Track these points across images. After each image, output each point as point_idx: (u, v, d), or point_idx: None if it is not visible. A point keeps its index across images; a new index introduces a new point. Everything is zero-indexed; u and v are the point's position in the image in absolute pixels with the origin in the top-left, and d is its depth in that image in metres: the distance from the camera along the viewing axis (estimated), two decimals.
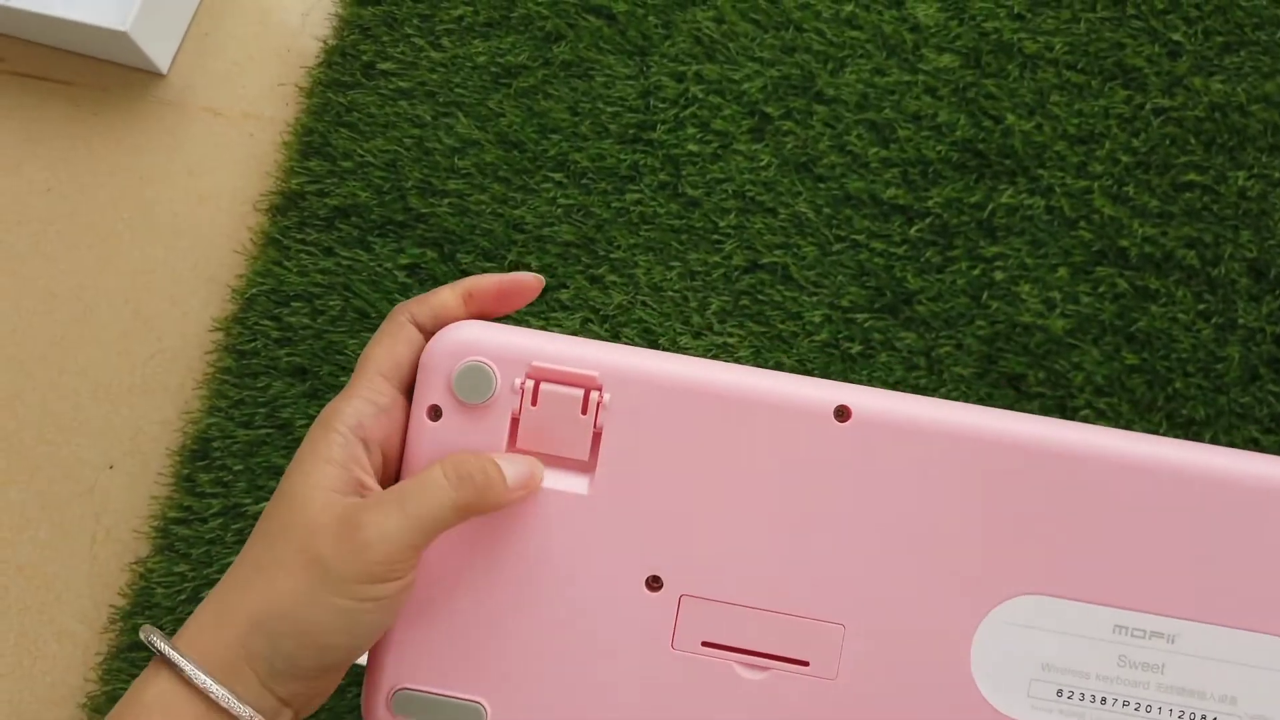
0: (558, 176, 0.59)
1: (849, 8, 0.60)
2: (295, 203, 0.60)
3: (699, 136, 0.60)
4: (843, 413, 0.32)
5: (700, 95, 0.60)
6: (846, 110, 0.59)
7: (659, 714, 0.33)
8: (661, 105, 0.60)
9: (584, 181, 0.60)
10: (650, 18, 0.61)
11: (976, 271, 0.57)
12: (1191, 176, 0.57)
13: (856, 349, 0.57)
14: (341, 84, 0.62)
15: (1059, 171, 0.57)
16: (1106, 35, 0.58)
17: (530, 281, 0.35)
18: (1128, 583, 0.31)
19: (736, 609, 0.33)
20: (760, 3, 0.60)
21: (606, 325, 0.57)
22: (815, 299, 0.58)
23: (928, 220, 0.58)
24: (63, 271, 0.62)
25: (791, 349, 0.57)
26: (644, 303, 0.58)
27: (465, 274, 0.58)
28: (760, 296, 0.58)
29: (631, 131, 0.60)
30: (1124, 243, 0.56)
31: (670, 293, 0.58)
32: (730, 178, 0.59)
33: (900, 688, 0.32)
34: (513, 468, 0.33)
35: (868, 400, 0.32)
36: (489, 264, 0.58)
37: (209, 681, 0.30)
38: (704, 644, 0.33)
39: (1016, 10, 0.59)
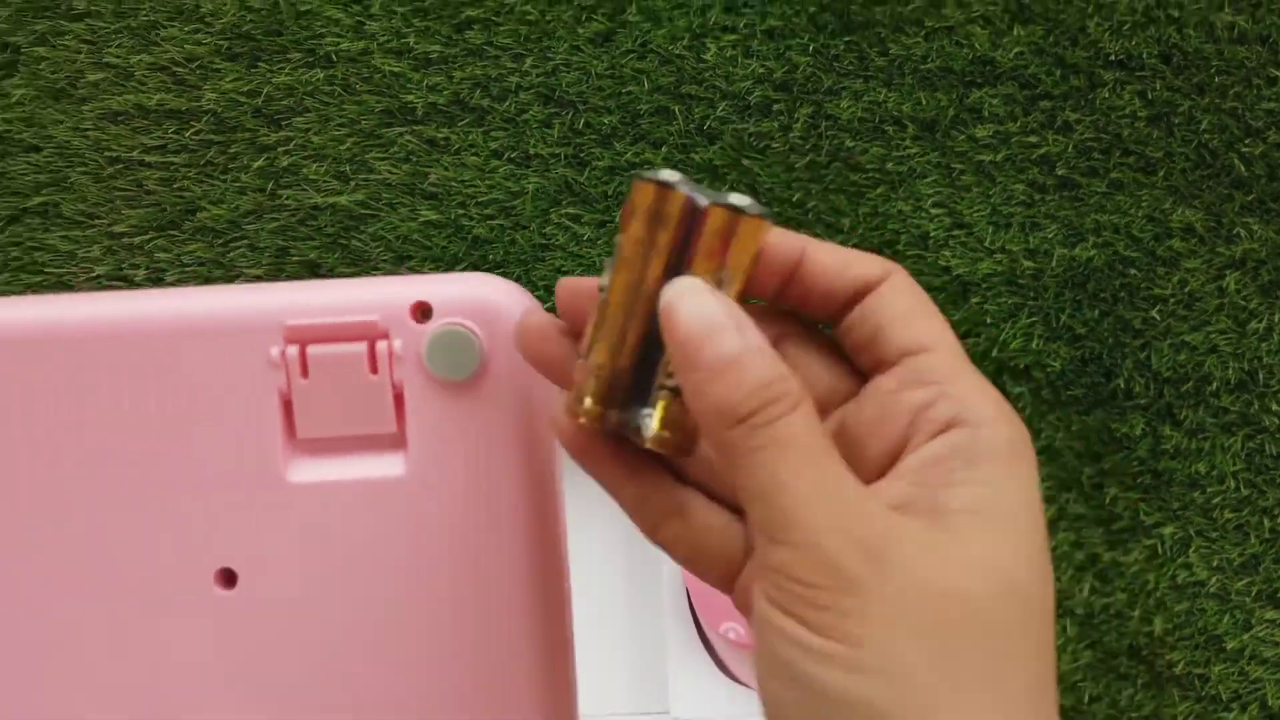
0: None
1: None
2: None
3: None
4: None
5: None
6: (103, 21, 0.53)
7: None
8: None
9: None
10: None
11: (261, 163, 0.52)
12: (470, 13, 0.53)
13: (141, 275, 0.51)
14: None
15: (335, 38, 0.53)
16: None
17: None
18: None
19: None
20: None
21: None
22: (92, 232, 0.51)
23: (204, 119, 0.52)
24: None
25: (74, 290, 0.50)
26: None
27: None
28: (30, 244, 0.51)
29: None
30: (410, 98, 0.52)
31: None
32: None
33: None
34: None
35: None
36: None
37: None
38: None
39: None
